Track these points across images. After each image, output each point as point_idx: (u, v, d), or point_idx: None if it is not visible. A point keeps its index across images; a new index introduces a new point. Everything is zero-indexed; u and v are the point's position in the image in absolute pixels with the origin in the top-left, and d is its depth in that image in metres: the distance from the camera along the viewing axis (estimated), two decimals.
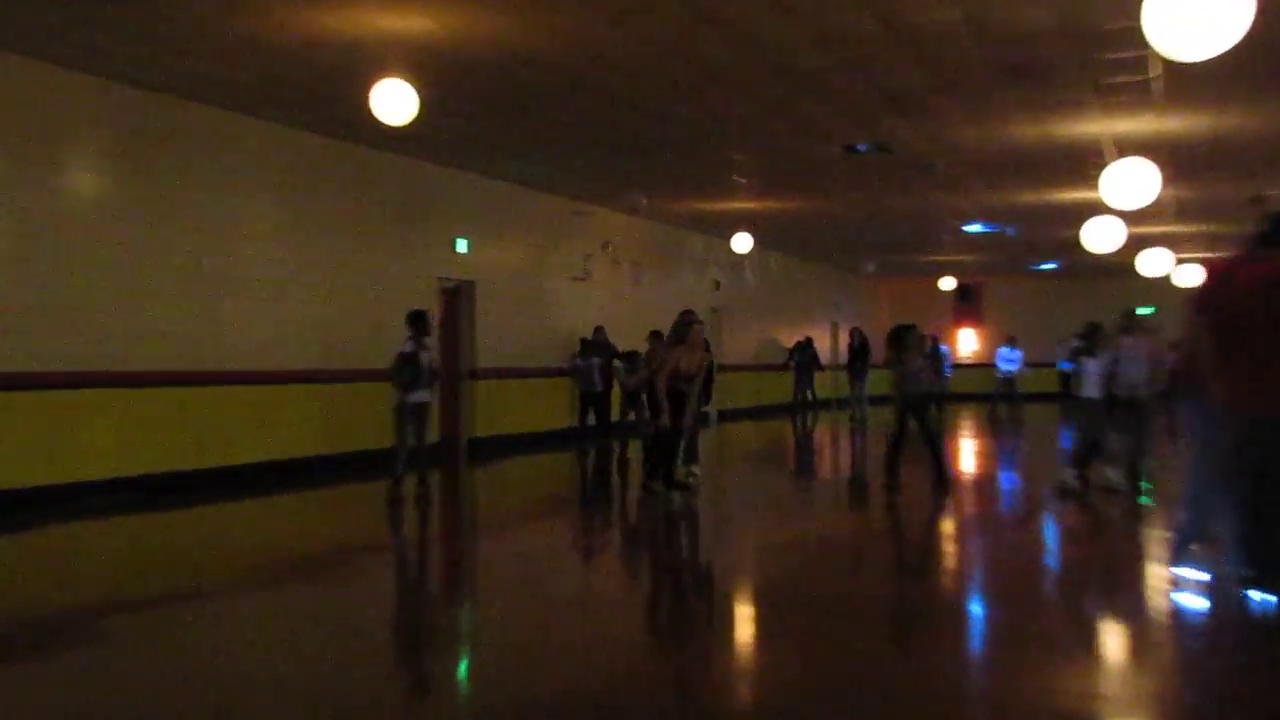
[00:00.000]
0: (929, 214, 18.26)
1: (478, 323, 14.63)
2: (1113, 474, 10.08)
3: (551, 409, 15.46)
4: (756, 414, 21.51)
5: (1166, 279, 18.10)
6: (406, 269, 13.35)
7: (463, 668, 4.92)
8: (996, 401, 23.11)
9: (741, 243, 15.67)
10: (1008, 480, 12.21)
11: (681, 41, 8.60)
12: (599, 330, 15.44)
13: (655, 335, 13.77)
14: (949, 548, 7.97)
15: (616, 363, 14.67)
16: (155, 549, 7.95)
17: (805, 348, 23.45)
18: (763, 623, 5.69)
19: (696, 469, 10.43)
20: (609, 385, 14.78)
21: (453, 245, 14.19)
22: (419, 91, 8.15)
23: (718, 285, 21.36)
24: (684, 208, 17.71)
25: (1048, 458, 14.33)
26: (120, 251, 10.00)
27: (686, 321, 9.66)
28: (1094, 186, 9.72)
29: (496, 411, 14.82)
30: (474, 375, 14.55)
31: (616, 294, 18.01)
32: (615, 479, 12.19)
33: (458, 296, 14.48)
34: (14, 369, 9.07)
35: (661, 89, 10.06)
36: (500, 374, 14.91)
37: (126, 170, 10.04)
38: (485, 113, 11.06)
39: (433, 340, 9.85)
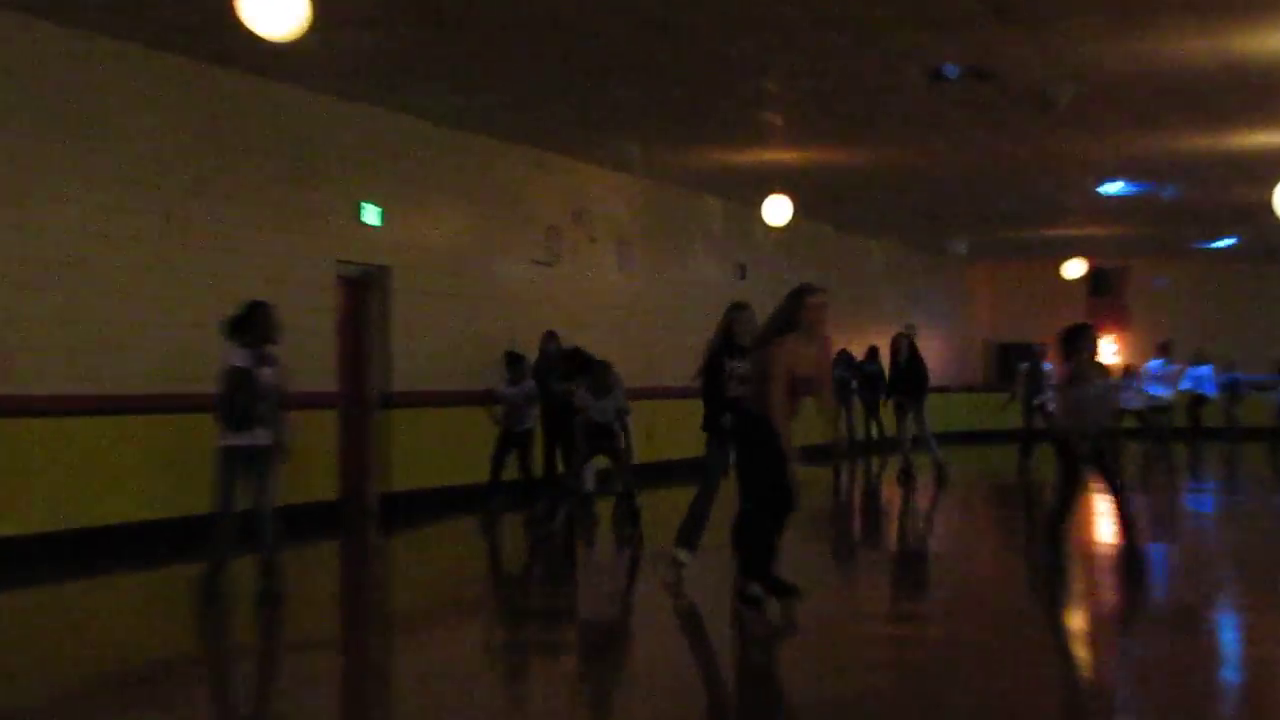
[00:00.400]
0: (1048, 169, 18.18)
1: (395, 327, 14.59)
2: None
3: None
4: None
5: None
6: (288, 250, 13.22)
7: None
8: (1145, 440, 23.04)
9: (777, 211, 15.64)
10: (1223, 560, 11.87)
11: None
12: (550, 338, 15.27)
13: (574, 355, 13.55)
14: (1182, 670, 7.46)
15: (574, 387, 14.30)
16: None
17: (856, 362, 23.31)
18: None
19: (681, 554, 9.94)
20: (562, 419, 14.39)
21: (357, 214, 14.14)
22: None
23: (743, 273, 21.36)
24: (694, 160, 17.60)
25: (1266, 523, 14.23)
26: None
27: (799, 292, 8.53)
28: None
29: (422, 455, 14.75)
30: (389, 403, 14.52)
31: (596, 284, 17.88)
32: (606, 556, 12.11)
33: (365, 289, 14.43)
34: None
35: None
36: (427, 401, 14.86)
37: None
38: (406, 22, 10.97)
39: (279, 352, 9.35)
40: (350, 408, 14.09)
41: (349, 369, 14.15)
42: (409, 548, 13.13)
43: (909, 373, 18.57)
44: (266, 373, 9.15)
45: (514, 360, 14.29)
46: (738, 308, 9.86)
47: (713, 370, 9.73)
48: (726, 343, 9.76)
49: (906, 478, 17.75)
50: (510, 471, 14.32)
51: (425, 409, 14.84)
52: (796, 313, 8.45)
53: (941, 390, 27.36)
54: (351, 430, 14.11)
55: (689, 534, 9.88)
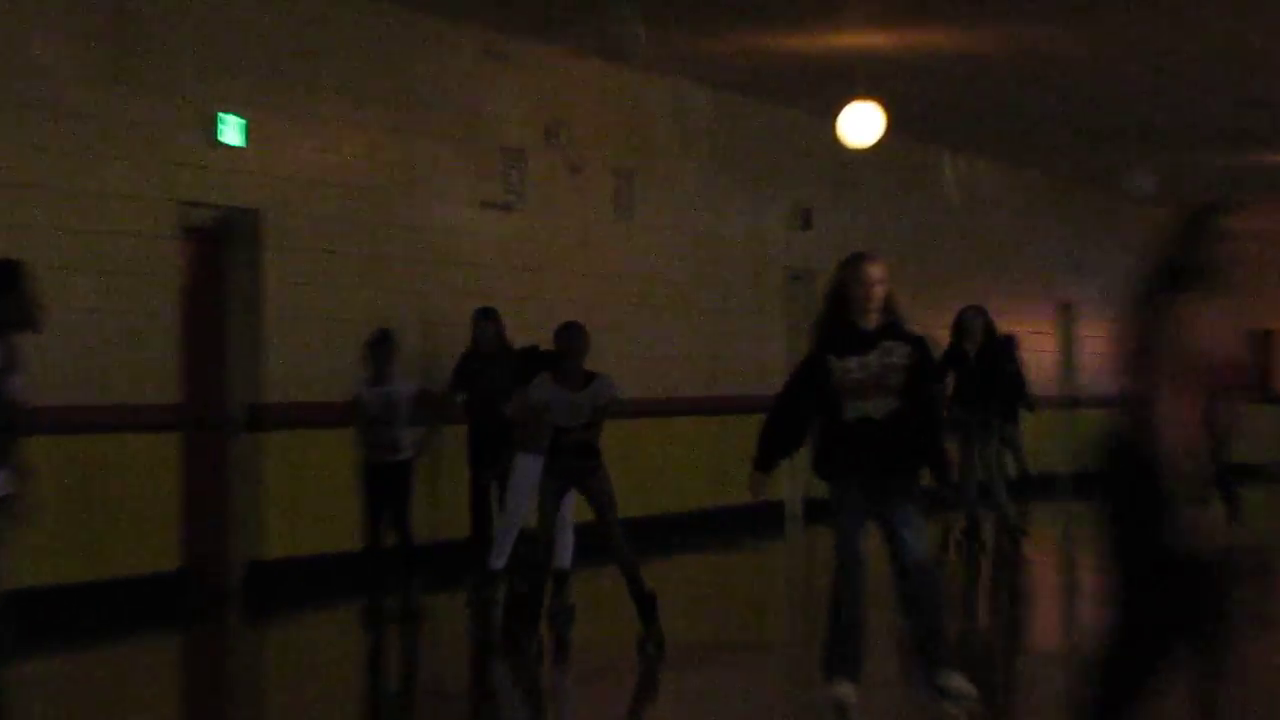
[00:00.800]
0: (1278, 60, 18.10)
1: (268, 305, 14.78)
2: None
3: (433, 491, 15.41)
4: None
5: None
6: (104, 185, 13.38)
7: None
8: None
9: (861, 126, 15.85)
10: None
11: None
12: (486, 318, 15.03)
13: (533, 356, 13.31)
14: None
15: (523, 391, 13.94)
16: None
17: (964, 353, 22.72)
18: None
19: (961, 683, 9.16)
20: (500, 448, 14.05)
21: (211, 130, 14.26)
22: None
23: (807, 220, 21.57)
24: (731, 49, 17.79)
25: None
26: None
27: (1205, 214, 7.42)
28: None
29: (307, 501, 14.85)
30: (257, 423, 14.68)
31: (579, 237, 18.03)
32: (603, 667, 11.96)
33: (222, 245, 14.67)
34: None
35: None
36: (315, 419, 14.86)
37: None
38: None
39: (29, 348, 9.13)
40: (199, 430, 14.20)
41: (197, 370, 14.22)
42: (280, 649, 13.22)
43: (981, 374, 18.17)
44: (15, 381, 8.87)
45: (378, 342, 13.73)
46: (856, 261, 9.23)
47: (811, 374, 9.16)
48: (837, 325, 9.19)
49: (968, 543, 17.82)
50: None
51: (312, 431, 14.91)
52: (1203, 249, 7.29)
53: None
54: (201, 464, 14.17)
55: (843, 652, 9.25)
